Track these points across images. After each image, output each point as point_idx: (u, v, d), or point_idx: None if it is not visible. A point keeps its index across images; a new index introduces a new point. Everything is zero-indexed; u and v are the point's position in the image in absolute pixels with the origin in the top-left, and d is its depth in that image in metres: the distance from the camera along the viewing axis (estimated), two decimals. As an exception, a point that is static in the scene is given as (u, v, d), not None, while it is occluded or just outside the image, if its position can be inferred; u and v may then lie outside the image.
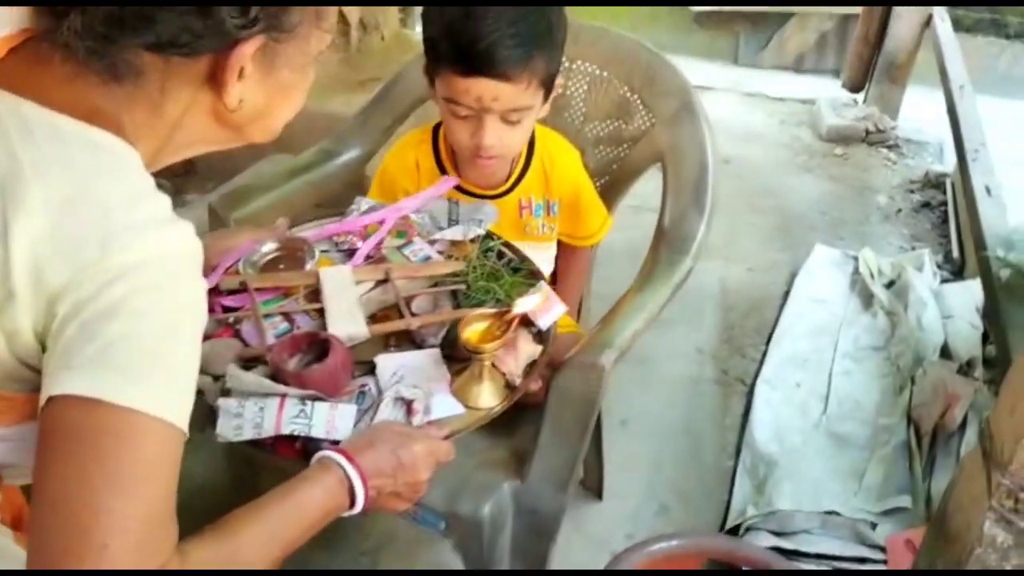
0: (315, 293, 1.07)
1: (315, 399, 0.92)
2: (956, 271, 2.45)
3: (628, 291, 1.22)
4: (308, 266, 1.11)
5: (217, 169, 2.49)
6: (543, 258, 1.31)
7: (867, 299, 2.22)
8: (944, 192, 2.93)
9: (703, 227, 1.28)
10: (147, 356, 0.62)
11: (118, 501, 0.60)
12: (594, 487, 1.64)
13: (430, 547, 1.50)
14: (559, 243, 1.39)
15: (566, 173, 1.32)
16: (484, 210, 1.25)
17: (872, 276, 2.29)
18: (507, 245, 1.22)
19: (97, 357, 0.61)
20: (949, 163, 3.03)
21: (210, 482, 1.50)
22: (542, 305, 1.02)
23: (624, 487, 1.67)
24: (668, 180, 1.34)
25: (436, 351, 1.03)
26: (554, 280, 1.39)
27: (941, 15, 3.19)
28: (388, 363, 1.00)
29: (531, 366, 1.02)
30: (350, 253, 1.17)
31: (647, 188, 1.50)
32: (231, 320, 1.03)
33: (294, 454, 0.90)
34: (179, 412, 0.64)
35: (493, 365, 0.98)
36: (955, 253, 2.53)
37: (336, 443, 0.87)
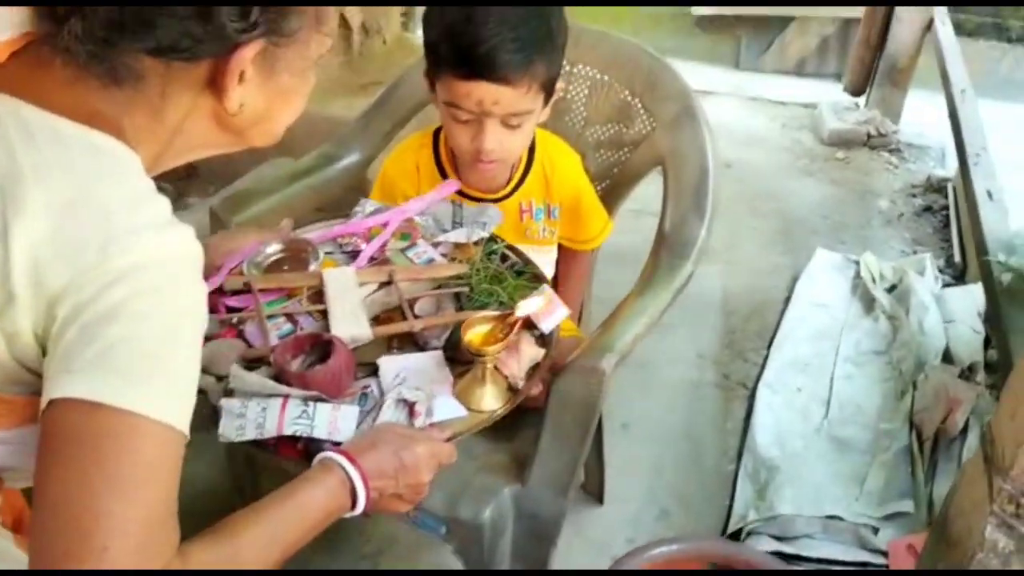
0: (319, 294, 1.07)
1: (318, 400, 0.92)
2: (958, 275, 2.44)
3: (628, 295, 1.22)
4: (312, 267, 1.11)
5: (219, 173, 2.50)
6: (544, 262, 1.31)
7: (869, 303, 2.22)
8: (946, 196, 2.93)
9: (704, 231, 1.28)
10: (147, 359, 0.63)
11: (119, 504, 0.60)
12: (595, 491, 1.64)
13: (431, 551, 1.50)
14: (560, 247, 1.39)
15: (567, 177, 1.32)
16: (488, 213, 1.25)
17: (874, 280, 2.28)
18: (511, 248, 1.22)
19: (97, 360, 0.61)
20: (951, 167, 3.03)
21: (211, 485, 1.50)
22: (545, 308, 1.02)
23: (625, 491, 1.67)
24: (669, 184, 1.34)
25: (439, 353, 1.03)
26: (555, 284, 1.39)
27: (942, 19, 3.19)
28: (391, 365, 1.00)
29: (534, 369, 1.02)
30: (354, 255, 1.17)
31: (648, 192, 1.50)
32: (235, 320, 1.04)
33: (296, 455, 0.91)
34: (179, 415, 0.64)
35: (495, 368, 0.98)
36: (957, 257, 2.52)
37: (338, 444, 0.87)
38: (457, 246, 1.19)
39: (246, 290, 1.07)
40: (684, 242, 1.27)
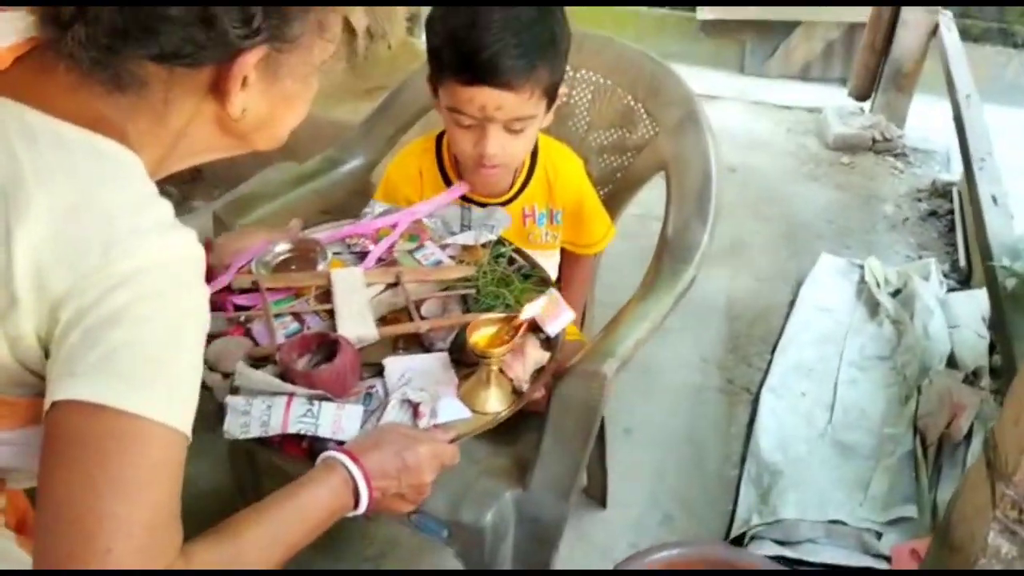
0: (326, 294, 1.08)
1: (322, 399, 0.93)
2: (963, 280, 2.44)
3: (631, 300, 1.22)
4: (320, 267, 1.12)
5: (223, 176, 2.51)
6: (546, 266, 1.31)
7: (873, 308, 2.22)
8: (951, 201, 2.92)
9: (706, 237, 1.28)
10: (150, 362, 0.63)
11: (122, 506, 0.60)
12: (598, 496, 1.64)
13: (433, 554, 1.50)
14: (563, 251, 1.39)
15: (569, 182, 1.32)
16: (496, 216, 1.25)
17: (878, 285, 2.28)
18: (518, 251, 1.22)
19: (100, 363, 0.61)
20: (956, 172, 3.02)
21: (214, 486, 1.51)
22: (550, 311, 1.03)
23: (628, 496, 1.67)
24: (671, 190, 1.34)
25: (444, 355, 1.03)
26: (557, 288, 1.39)
27: (948, 24, 3.19)
28: (396, 365, 1.00)
29: (538, 372, 1.02)
30: (362, 255, 1.18)
31: (651, 196, 1.50)
32: (242, 319, 1.05)
33: (300, 453, 0.91)
34: (182, 417, 0.65)
35: (500, 370, 0.99)
36: (962, 262, 2.52)
37: (342, 443, 0.88)
38: (465, 248, 1.20)
39: (254, 289, 1.08)
40: (687, 247, 1.27)
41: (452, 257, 1.19)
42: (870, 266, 2.35)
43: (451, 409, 0.96)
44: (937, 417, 1.71)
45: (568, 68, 1.27)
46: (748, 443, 1.81)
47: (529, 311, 0.98)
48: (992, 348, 1.93)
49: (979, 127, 2.40)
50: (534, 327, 1.03)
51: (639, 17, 4.47)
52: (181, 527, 0.65)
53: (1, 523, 0.83)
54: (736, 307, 2.33)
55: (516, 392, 1.00)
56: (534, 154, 1.30)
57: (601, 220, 1.37)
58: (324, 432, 0.90)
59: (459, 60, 1.09)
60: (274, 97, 0.75)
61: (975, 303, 2.10)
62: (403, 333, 1.05)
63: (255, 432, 0.90)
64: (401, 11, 2.93)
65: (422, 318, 1.06)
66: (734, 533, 1.58)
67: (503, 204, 1.30)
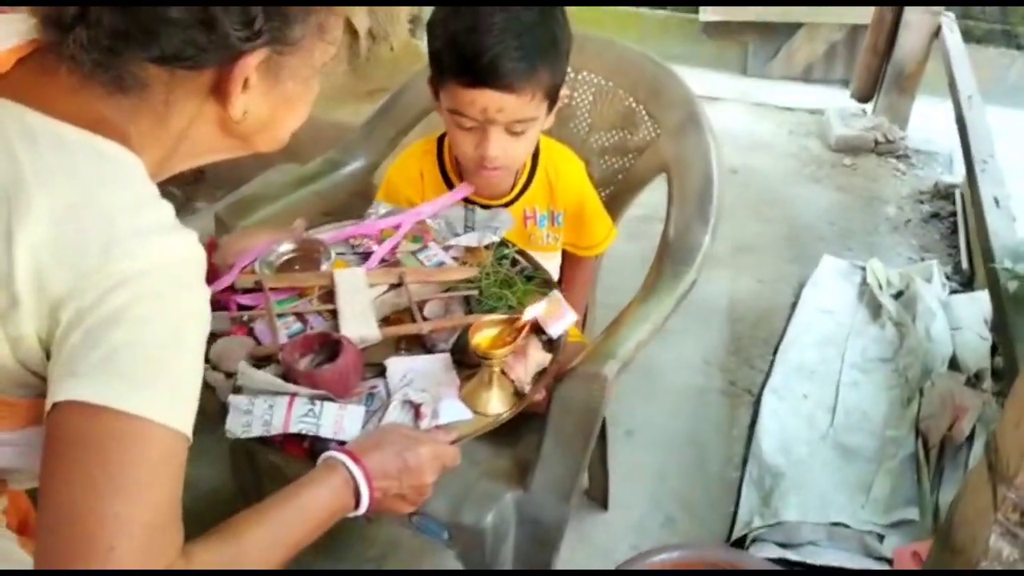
0: (329, 294, 1.08)
1: (324, 399, 0.93)
2: (965, 282, 2.43)
3: (632, 302, 1.22)
4: (323, 268, 1.12)
5: (226, 177, 2.51)
6: (547, 268, 1.31)
7: (875, 310, 2.21)
8: (953, 203, 2.92)
9: (707, 238, 1.28)
10: (151, 364, 0.63)
11: (123, 506, 0.60)
12: (599, 498, 1.64)
13: (434, 556, 1.51)
14: (564, 253, 1.39)
15: (571, 183, 1.32)
16: (500, 217, 1.26)
17: (880, 287, 2.28)
18: (521, 253, 1.23)
19: (101, 364, 0.61)
20: (959, 174, 3.02)
21: (216, 488, 1.51)
22: (553, 313, 1.03)
23: (629, 498, 1.67)
24: (673, 191, 1.34)
25: (446, 356, 1.03)
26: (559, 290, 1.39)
27: (950, 26, 3.19)
28: (398, 366, 1.01)
29: (540, 374, 1.02)
30: (366, 256, 1.18)
31: (654, 198, 1.51)
32: (245, 318, 1.05)
33: (302, 453, 0.91)
34: (183, 418, 0.65)
35: (502, 372, 0.99)
36: (964, 264, 2.51)
37: (343, 444, 0.88)
38: (468, 250, 1.20)
39: (257, 288, 1.08)
40: (688, 249, 1.27)
41: (455, 258, 1.19)
42: (872, 268, 2.35)
43: (453, 410, 0.96)
44: (939, 419, 1.71)
45: (569, 70, 1.28)
46: (750, 445, 1.80)
47: (531, 313, 0.98)
48: (994, 350, 1.93)
49: (981, 129, 2.40)
50: (536, 329, 1.03)
51: (641, 19, 4.47)
52: (182, 528, 0.65)
53: (3, 524, 0.84)
54: (738, 309, 2.33)
55: (518, 394, 1.00)
56: (535, 156, 1.30)
57: (602, 222, 1.37)
58: (326, 432, 0.90)
59: (460, 63, 1.09)
60: (275, 99, 0.75)
61: (977, 305, 2.09)
62: (405, 334, 1.05)
63: (257, 431, 0.90)
64: (403, 13, 2.93)
65: (425, 319, 1.06)
66: (735, 535, 1.58)
67: (504, 206, 1.30)
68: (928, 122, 3.37)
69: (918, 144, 3.37)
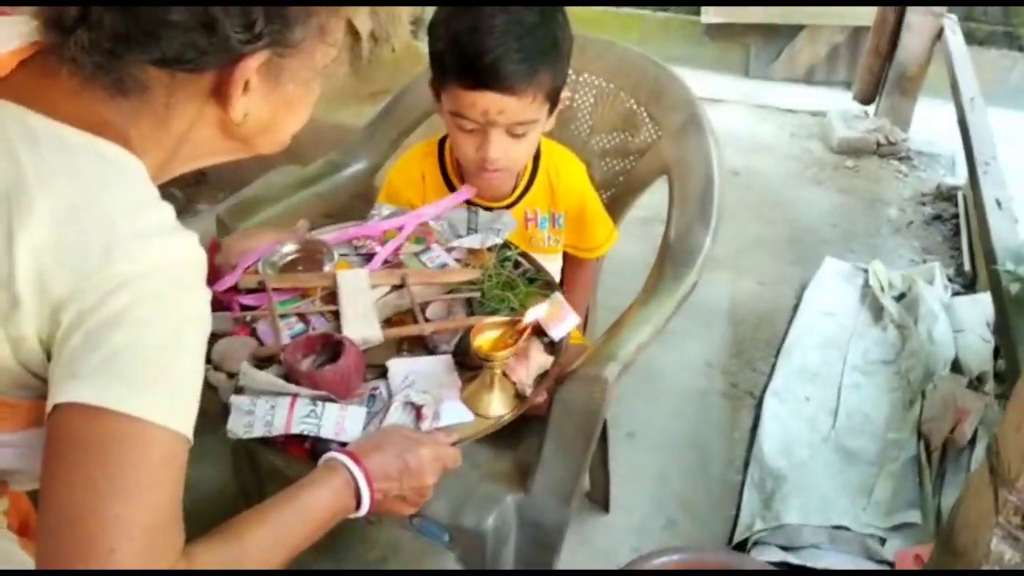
0: (332, 295, 1.08)
1: (326, 400, 0.93)
2: (968, 284, 2.43)
3: (633, 304, 1.22)
4: (326, 269, 1.12)
5: (228, 179, 2.52)
6: (549, 270, 1.31)
7: (877, 312, 2.21)
8: (956, 205, 2.92)
9: (708, 241, 1.28)
10: (151, 366, 0.63)
11: (124, 508, 0.60)
12: (600, 500, 1.64)
13: (434, 558, 1.50)
14: (565, 255, 1.39)
15: (572, 185, 1.32)
16: (503, 219, 1.26)
17: (882, 289, 2.28)
18: (524, 255, 1.23)
19: (102, 366, 0.62)
20: (961, 176, 3.01)
21: (217, 490, 1.51)
22: (555, 315, 1.03)
23: (631, 500, 1.67)
24: (674, 193, 1.34)
25: (448, 357, 1.03)
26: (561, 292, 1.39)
27: (952, 28, 3.19)
28: (400, 367, 1.01)
29: (542, 377, 1.02)
30: (368, 257, 1.19)
31: (655, 200, 1.50)
32: (248, 319, 1.05)
33: (303, 454, 0.92)
34: (183, 420, 0.65)
35: (504, 374, 0.99)
36: (967, 266, 2.51)
37: (344, 445, 0.88)
38: (471, 252, 1.20)
39: (260, 289, 1.08)
40: (689, 251, 1.27)
41: (458, 260, 1.19)
42: (874, 270, 2.35)
43: (454, 412, 0.96)
44: (941, 422, 1.71)
45: (570, 72, 1.28)
46: (751, 447, 1.80)
47: (533, 315, 0.98)
48: (996, 353, 1.93)
49: (984, 131, 2.40)
50: (538, 331, 1.03)
51: (643, 20, 4.48)
52: (183, 529, 0.65)
53: (4, 525, 0.84)
54: (740, 311, 2.33)
55: (519, 396, 1.00)
56: (536, 158, 1.30)
57: (603, 224, 1.37)
58: (327, 433, 0.90)
59: (461, 65, 1.09)
60: (276, 101, 0.75)
61: (980, 307, 2.09)
62: (407, 335, 1.05)
63: (258, 432, 0.90)
64: (405, 14, 2.93)
65: (427, 320, 1.06)
66: (737, 538, 1.58)
67: (505, 208, 1.30)
68: (930, 124, 3.37)
69: (920, 146, 3.36)
